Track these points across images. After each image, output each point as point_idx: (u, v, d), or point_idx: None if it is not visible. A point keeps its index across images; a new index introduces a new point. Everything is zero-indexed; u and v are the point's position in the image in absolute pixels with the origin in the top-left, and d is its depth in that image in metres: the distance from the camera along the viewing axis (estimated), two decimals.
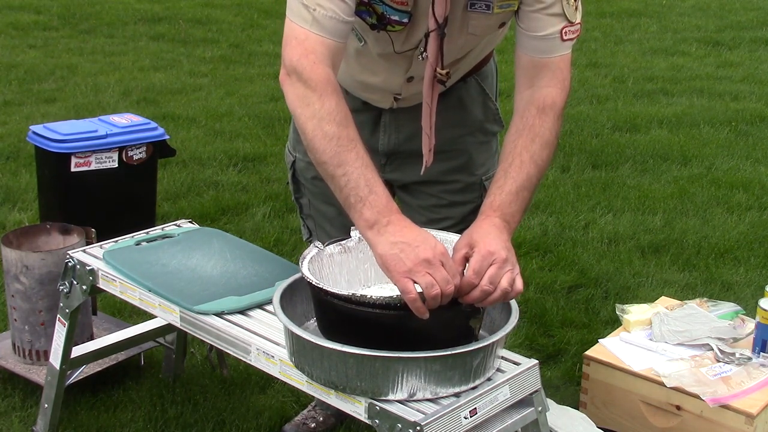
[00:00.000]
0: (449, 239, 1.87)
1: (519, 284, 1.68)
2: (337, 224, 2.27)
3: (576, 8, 1.88)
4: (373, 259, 1.89)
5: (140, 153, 3.47)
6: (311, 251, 1.82)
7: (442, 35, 1.90)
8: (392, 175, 2.27)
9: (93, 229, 2.86)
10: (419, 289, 1.59)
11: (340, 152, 1.70)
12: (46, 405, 2.46)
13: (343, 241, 1.88)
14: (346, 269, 1.87)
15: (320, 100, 1.73)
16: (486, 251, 1.66)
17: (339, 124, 1.72)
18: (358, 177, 1.68)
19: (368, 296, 1.64)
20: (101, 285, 2.24)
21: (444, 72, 1.95)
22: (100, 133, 3.38)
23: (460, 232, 2.19)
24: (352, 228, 1.89)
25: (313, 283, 1.71)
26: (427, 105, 2.01)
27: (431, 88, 1.99)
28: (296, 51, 1.78)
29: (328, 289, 1.69)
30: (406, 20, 1.92)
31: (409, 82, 2.09)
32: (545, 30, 1.87)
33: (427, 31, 1.91)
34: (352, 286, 1.87)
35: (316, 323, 1.85)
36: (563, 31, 1.87)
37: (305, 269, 1.75)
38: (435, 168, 2.14)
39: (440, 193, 2.22)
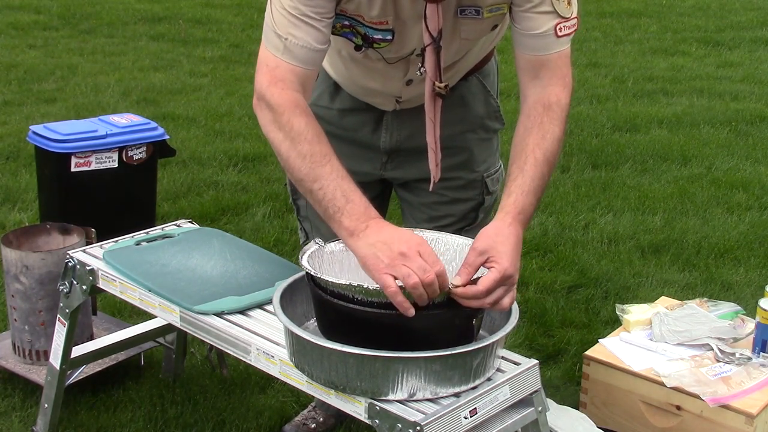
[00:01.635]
0: (454, 242, 1.88)
1: (513, 299, 1.72)
2: None
3: (568, 3, 1.87)
4: None
5: (140, 153, 3.47)
6: (311, 247, 1.82)
7: (438, 48, 1.90)
8: (393, 173, 2.27)
9: (93, 229, 2.86)
10: (400, 284, 1.60)
11: (314, 168, 1.74)
12: (46, 405, 2.46)
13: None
14: (347, 267, 1.86)
15: (289, 122, 1.78)
16: (504, 273, 1.66)
17: (311, 142, 1.76)
18: (334, 189, 1.72)
19: (365, 286, 1.63)
20: (101, 285, 2.24)
21: (443, 86, 1.95)
22: (100, 133, 3.38)
23: (460, 230, 2.19)
24: None
25: (312, 273, 1.70)
26: (430, 120, 2.01)
27: (433, 103, 1.99)
28: (265, 78, 1.84)
29: (326, 278, 1.68)
30: (389, 37, 1.92)
31: (408, 85, 2.09)
32: (539, 28, 1.87)
33: (423, 46, 1.91)
34: None
35: (316, 323, 1.85)
36: (557, 27, 1.87)
37: (305, 262, 1.75)
38: None
39: (441, 190, 2.22)
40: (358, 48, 1.96)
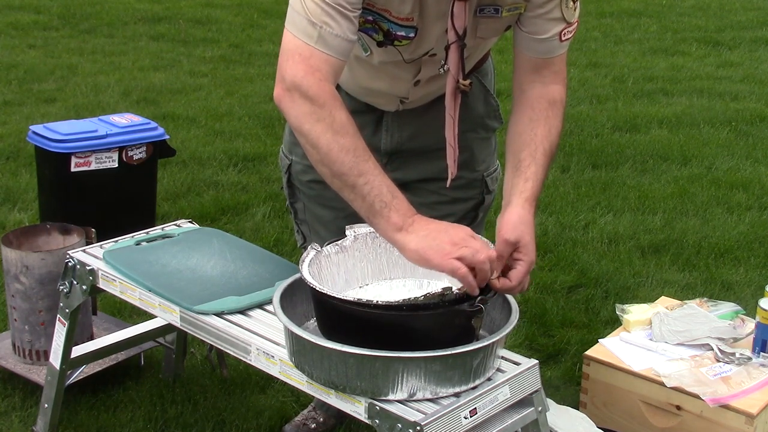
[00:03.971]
0: None
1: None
2: (332, 228, 2.26)
3: (575, 9, 1.92)
4: (369, 258, 1.89)
5: (140, 153, 3.47)
6: (310, 254, 1.82)
7: (463, 46, 1.91)
8: (394, 174, 2.25)
9: (93, 229, 2.86)
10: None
11: (358, 162, 1.72)
12: (46, 405, 2.46)
13: (339, 241, 1.88)
14: (344, 269, 1.87)
15: (331, 114, 1.74)
16: (532, 261, 1.79)
17: (353, 136, 1.74)
18: (380, 184, 1.72)
19: (373, 301, 1.64)
20: (101, 285, 2.24)
21: (467, 83, 1.97)
22: (100, 133, 3.38)
23: None
24: (347, 227, 1.90)
25: (317, 288, 1.71)
26: (450, 117, 2.02)
27: (454, 100, 2.00)
28: (299, 67, 1.76)
29: (334, 294, 1.69)
30: (412, 35, 1.92)
31: (416, 85, 2.09)
32: (546, 33, 1.91)
33: (447, 44, 1.92)
34: (350, 285, 1.87)
35: (316, 323, 1.85)
36: (562, 32, 1.92)
37: (306, 273, 1.75)
38: (437, 165, 2.15)
39: (442, 189, 2.22)
40: (380, 44, 1.96)
